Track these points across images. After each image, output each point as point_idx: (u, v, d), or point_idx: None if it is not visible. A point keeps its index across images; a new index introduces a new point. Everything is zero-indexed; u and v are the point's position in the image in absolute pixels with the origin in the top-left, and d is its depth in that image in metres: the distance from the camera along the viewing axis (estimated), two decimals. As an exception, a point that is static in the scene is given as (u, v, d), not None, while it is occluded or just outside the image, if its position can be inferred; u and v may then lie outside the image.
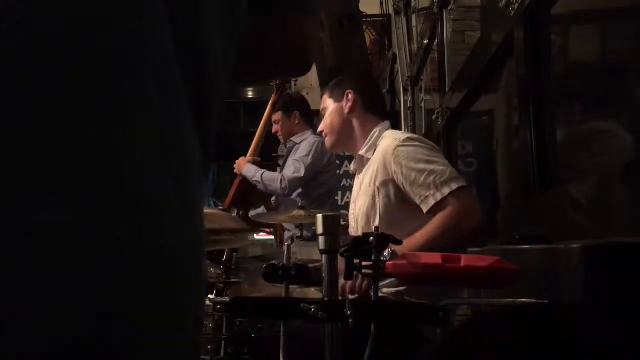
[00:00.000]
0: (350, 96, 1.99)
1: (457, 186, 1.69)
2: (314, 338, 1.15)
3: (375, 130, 1.95)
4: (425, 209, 1.71)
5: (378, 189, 1.82)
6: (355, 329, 1.01)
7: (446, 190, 1.68)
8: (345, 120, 2.01)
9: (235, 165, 3.37)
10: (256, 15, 0.56)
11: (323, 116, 2.10)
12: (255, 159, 3.35)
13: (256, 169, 3.26)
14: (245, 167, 3.28)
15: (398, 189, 1.78)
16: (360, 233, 1.87)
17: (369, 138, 1.95)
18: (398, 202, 1.79)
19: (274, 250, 3.37)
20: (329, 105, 2.06)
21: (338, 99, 2.04)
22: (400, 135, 1.90)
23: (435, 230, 1.65)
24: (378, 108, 2.07)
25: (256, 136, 3.48)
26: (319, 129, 2.14)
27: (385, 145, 1.85)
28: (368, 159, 1.93)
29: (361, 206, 1.89)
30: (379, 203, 1.82)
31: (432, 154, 1.80)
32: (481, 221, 1.73)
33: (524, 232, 1.24)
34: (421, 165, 1.74)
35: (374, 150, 1.91)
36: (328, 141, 2.09)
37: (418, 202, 1.72)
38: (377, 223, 1.81)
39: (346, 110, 2.00)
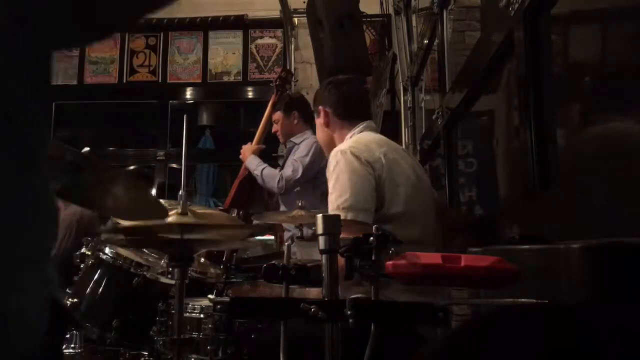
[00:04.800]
0: (322, 112, 2.07)
1: (344, 217, 1.66)
2: (314, 338, 1.15)
3: (350, 133, 2.02)
4: None
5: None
6: (355, 329, 1.01)
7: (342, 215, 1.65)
8: (326, 134, 2.10)
9: (240, 152, 3.45)
10: None
11: None
12: (260, 147, 3.46)
13: (258, 162, 3.34)
14: (249, 158, 3.36)
15: None
16: None
17: (344, 142, 2.01)
18: None
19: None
20: (316, 121, 2.17)
21: (317, 114, 2.13)
22: (343, 145, 1.91)
23: None
24: (354, 112, 2.08)
25: (257, 133, 3.51)
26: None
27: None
28: None
29: None
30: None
31: (353, 175, 1.77)
32: None
33: (524, 232, 1.24)
34: (333, 183, 1.80)
35: None
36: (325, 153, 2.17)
37: None
38: None
39: (323, 126, 2.09)
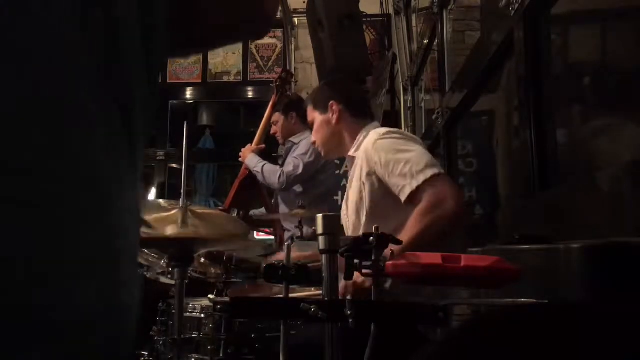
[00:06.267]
0: (334, 107, 2.01)
1: (432, 173, 1.67)
2: (313, 338, 1.15)
3: (362, 131, 1.98)
4: (402, 198, 1.69)
5: (363, 183, 1.83)
6: (355, 329, 1.01)
7: (421, 178, 1.66)
8: (333, 131, 2.03)
9: (240, 154, 3.45)
10: None
11: (312, 127, 2.11)
12: (260, 147, 3.45)
13: (258, 159, 3.34)
14: (249, 156, 3.37)
15: (380, 182, 1.78)
16: (351, 229, 1.90)
17: (356, 140, 1.98)
18: (382, 194, 1.79)
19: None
20: (316, 117, 2.07)
21: (323, 110, 2.04)
22: (381, 130, 1.91)
23: (418, 224, 1.62)
24: (362, 111, 2.07)
25: (258, 134, 3.52)
26: (312, 140, 2.15)
27: (367, 140, 1.87)
28: (354, 157, 1.95)
29: (351, 203, 1.90)
30: (366, 197, 1.82)
31: (410, 144, 1.80)
32: (461, 206, 1.70)
33: (524, 232, 1.24)
34: (398, 156, 1.74)
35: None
36: (321, 151, 2.11)
37: (396, 192, 1.71)
38: (364, 218, 1.82)
39: (333, 122, 2.01)
